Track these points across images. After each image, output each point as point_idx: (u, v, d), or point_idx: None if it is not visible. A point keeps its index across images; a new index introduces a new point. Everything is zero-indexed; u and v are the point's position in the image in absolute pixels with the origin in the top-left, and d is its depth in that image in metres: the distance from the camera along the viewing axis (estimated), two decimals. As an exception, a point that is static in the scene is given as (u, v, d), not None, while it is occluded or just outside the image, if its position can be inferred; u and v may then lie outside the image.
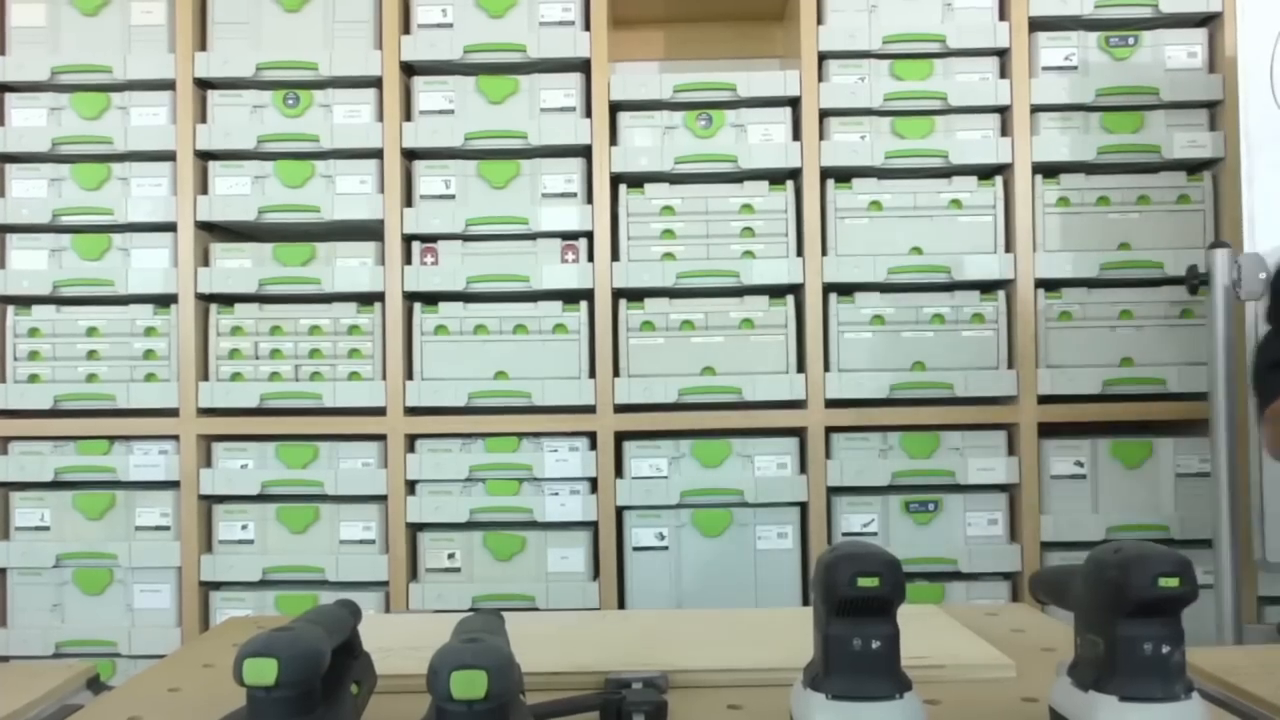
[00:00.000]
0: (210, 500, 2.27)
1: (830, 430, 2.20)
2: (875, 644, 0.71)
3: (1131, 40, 2.21)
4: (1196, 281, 1.96)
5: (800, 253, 2.22)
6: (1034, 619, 1.21)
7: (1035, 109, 2.20)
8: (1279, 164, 1.93)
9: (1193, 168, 2.22)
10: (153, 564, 2.23)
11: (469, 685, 0.67)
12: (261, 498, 2.25)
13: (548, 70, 2.27)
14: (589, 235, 2.24)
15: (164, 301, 2.27)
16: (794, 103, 2.25)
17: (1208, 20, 2.22)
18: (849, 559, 0.71)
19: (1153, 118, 2.21)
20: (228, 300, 2.28)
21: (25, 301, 2.29)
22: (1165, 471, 2.17)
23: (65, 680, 1.04)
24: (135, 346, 2.27)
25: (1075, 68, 2.21)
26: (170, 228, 2.26)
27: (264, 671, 0.69)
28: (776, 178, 2.26)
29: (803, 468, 2.21)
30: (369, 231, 2.28)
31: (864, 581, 0.69)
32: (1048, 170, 2.21)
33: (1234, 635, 1.87)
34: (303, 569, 2.22)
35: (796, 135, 2.24)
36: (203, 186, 2.28)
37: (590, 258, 2.24)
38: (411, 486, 2.24)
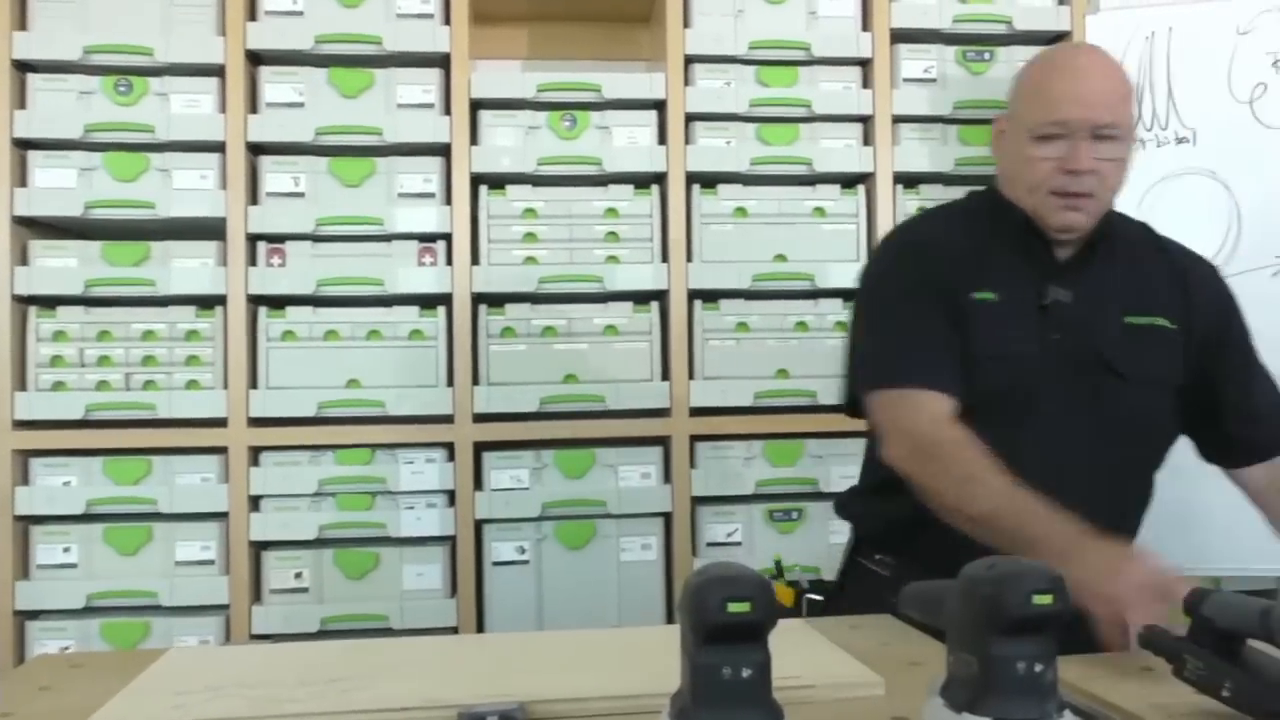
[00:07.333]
0: (27, 521, 2.08)
1: (694, 439, 2.17)
2: (746, 672, 0.67)
3: (987, 55, 2.27)
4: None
5: (665, 258, 2.19)
6: (898, 632, 1.19)
7: (896, 119, 2.23)
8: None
9: (1043, 181, 2.28)
10: (-40, 591, 2.03)
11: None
12: (86, 517, 2.08)
13: (405, 64, 2.18)
14: (447, 237, 2.16)
15: (-25, 303, 2.08)
16: (659, 106, 2.22)
17: (1058, 39, 2.29)
18: (719, 582, 0.67)
19: (1006, 132, 2.26)
20: (49, 303, 2.10)
21: None
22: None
23: None
24: (-59, 352, 2.06)
25: (934, 80, 2.25)
26: (-18, 222, 2.07)
27: None
28: (641, 181, 2.22)
29: (667, 477, 2.17)
30: (210, 230, 2.13)
31: (735, 607, 0.66)
32: (908, 180, 2.24)
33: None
34: (133, 594, 2.06)
35: (662, 139, 2.21)
36: (21, 178, 2.10)
37: (449, 261, 2.16)
38: (255, 502, 2.11)
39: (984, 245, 1.34)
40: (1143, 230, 1.44)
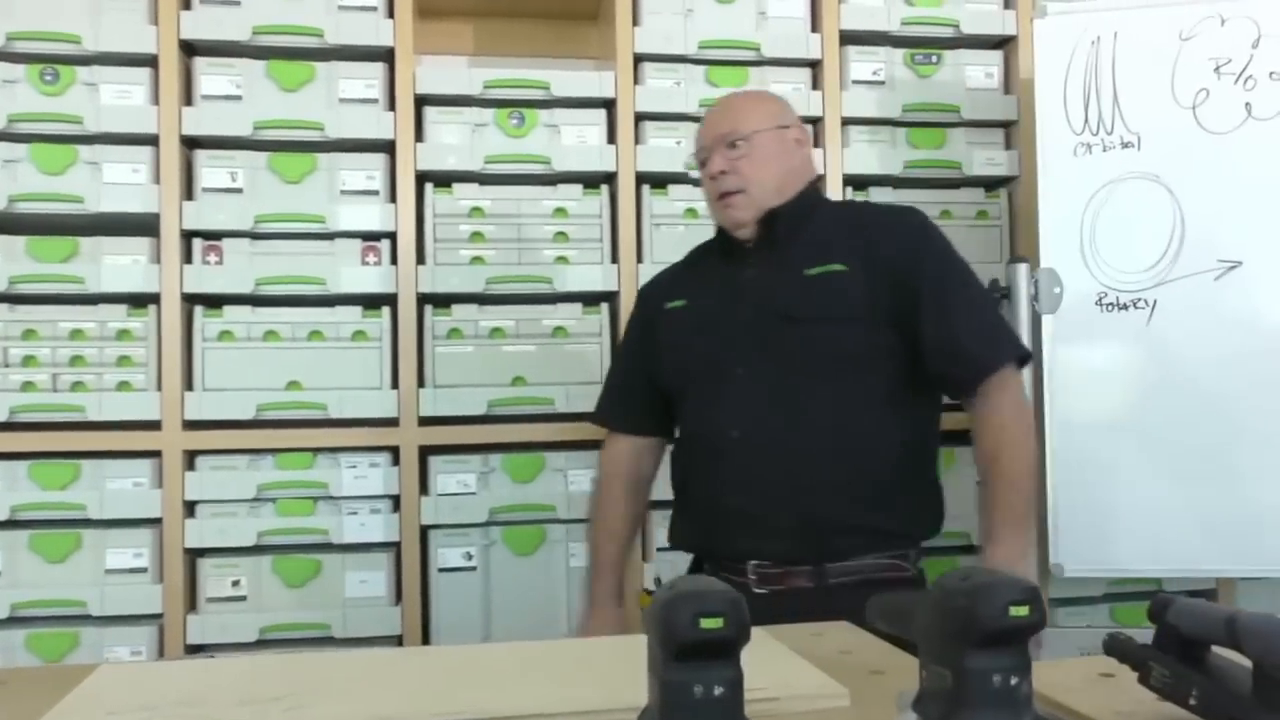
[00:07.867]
0: (-54, 528, 1.98)
1: (645, 442, 2.14)
2: (718, 690, 0.65)
3: (934, 59, 2.27)
4: (999, 295, 2.02)
5: (615, 259, 2.16)
6: (859, 639, 1.18)
7: (846, 121, 2.23)
8: (1068, 183, 2.01)
9: (990, 184, 2.30)
10: (-127, 604, 1.93)
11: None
12: (11, 524, 2.00)
13: (347, 58, 2.13)
14: (392, 236, 2.11)
15: (-110, 300, 1.98)
16: (609, 105, 2.19)
17: (1003, 43, 2.31)
18: (690, 597, 0.64)
19: (954, 135, 2.27)
20: (-31, 300, 2.01)
21: None
22: (964, 479, 2.22)
23: None
24: None
25: (883, 82, 2.25)
26: (-101, 216, 1.98)
27: None
28: (591, 181, 2.19)
29: (617, 481, 2.14)
30: (142, 226, 2.06)
31: (707, 623, 0.64)
32: (857, 183, 2.24)
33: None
34: (60, 603, 1.98)
35: (611, 138, 2.18)
36: (-61, 170, 2.01)
37: (393, 260, 2.11)
38: (190, 508, 2.05)
39: (692, 269, 1.69)
40: (844, 205, 1.84)
